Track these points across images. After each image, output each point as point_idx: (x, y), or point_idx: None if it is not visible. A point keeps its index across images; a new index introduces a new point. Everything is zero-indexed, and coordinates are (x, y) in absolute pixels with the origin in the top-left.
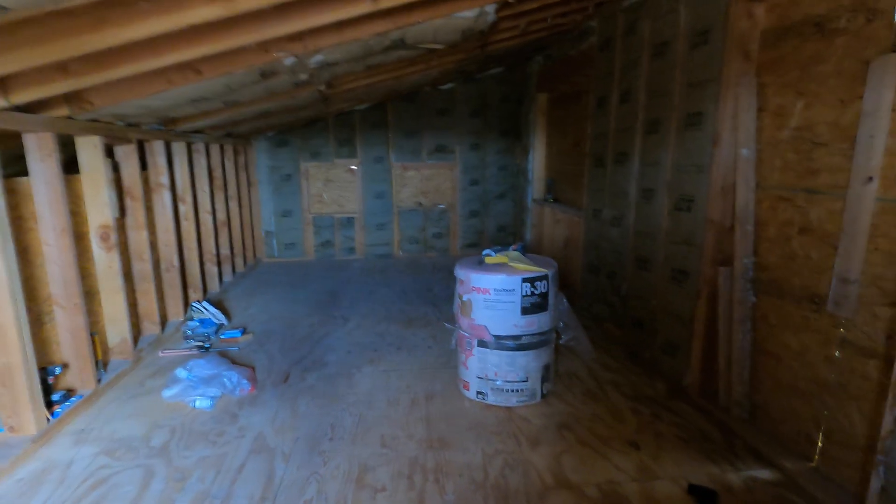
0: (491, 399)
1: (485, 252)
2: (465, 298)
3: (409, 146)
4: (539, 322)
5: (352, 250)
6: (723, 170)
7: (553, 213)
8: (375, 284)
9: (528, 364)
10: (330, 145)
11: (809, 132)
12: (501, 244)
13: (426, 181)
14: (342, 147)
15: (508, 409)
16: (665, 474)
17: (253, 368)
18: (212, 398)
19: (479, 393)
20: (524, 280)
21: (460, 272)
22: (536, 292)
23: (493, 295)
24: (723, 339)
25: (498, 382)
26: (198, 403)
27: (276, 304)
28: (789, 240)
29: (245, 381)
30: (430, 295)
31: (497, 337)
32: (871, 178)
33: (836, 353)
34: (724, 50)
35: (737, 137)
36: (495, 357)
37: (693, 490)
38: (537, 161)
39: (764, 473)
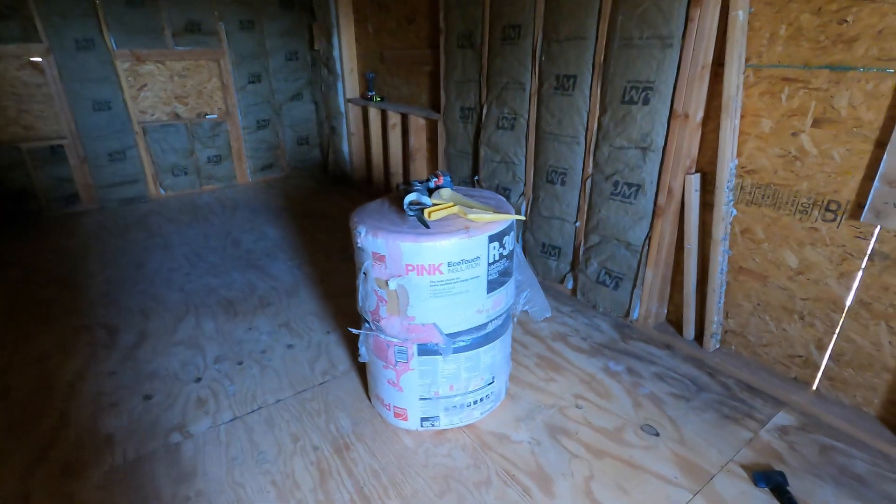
0: (445, 422)
1: (410, 197)
2: (392, 286)
3: (138, 22)
4: (506, 296)
5: (73, 199)
6: (704, 42)
7: (384, 115)
8: (141, 249)
9: (493, 359)
10: None
11: None
12: (304, 160)
13: (180, 79)
14: (3, 22)
15: (471, 428)
16: (710, 464)
17: None
18: None
19: (425, 420)
20: (491, 238)
21: (375, 241)
22: (504, 253)
23: (448, 272)
24: (689, 261)
25: (456, 398)
26: None
27: None
28: (796, 135)
29: None
30: (240, 251)
31: (453, 335)
32: None
33: (860, 269)
34: None
35: None
36: (451, 365)
37: (760, 479)
38: (346, 45)
39: (785, 418)
